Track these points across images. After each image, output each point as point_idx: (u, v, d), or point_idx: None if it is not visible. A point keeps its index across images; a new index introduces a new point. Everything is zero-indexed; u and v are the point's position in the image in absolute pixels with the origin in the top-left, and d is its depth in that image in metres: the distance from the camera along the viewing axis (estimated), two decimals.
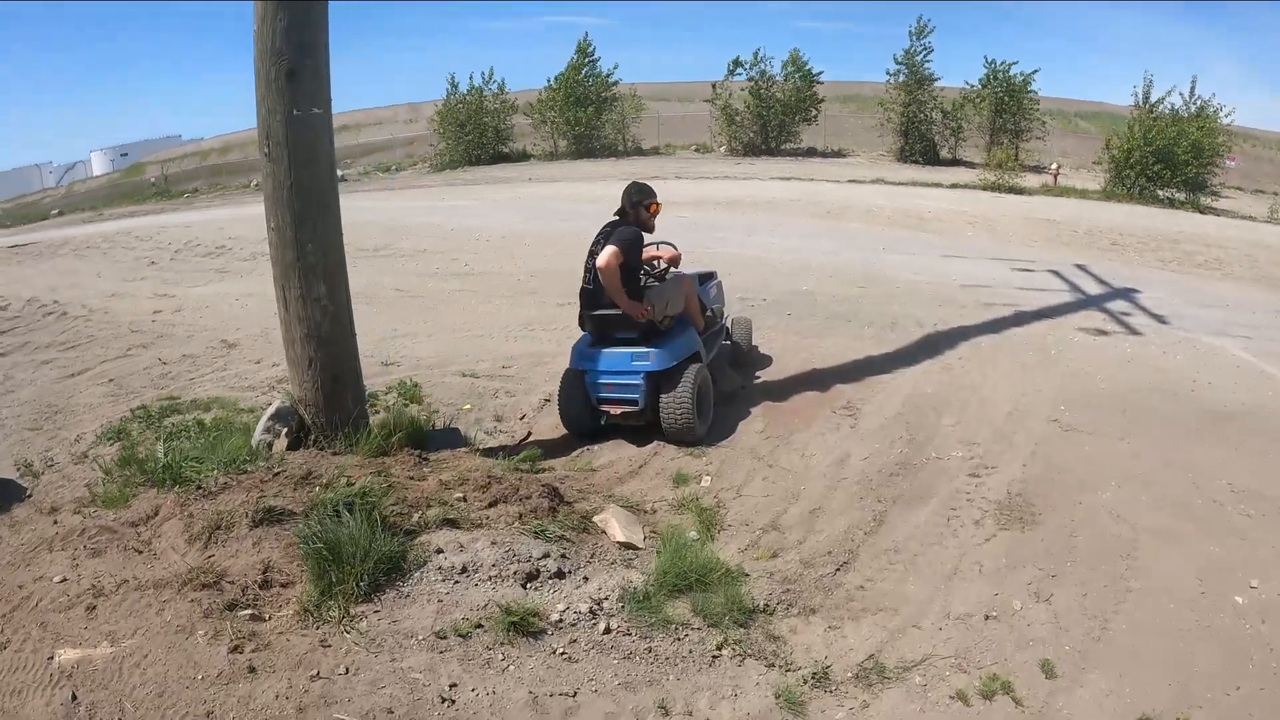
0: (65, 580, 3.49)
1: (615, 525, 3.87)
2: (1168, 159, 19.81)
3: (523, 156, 29.28)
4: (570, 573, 3.41)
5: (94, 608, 3.27)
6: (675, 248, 5.71)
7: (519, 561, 3.37)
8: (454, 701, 2.78)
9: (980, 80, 25.83)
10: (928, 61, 25.98)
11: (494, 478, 4.11)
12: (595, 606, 3.20)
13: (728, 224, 13.72)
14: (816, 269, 10.01)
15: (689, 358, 5.16)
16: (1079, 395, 5.70)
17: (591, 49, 28.63)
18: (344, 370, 4.71)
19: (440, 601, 3.17)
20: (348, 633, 3.01)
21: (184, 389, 6.50)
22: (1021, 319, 7.66)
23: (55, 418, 6.09)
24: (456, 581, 3.26)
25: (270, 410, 4.78)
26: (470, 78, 29.50)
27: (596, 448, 5.15)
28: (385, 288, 9.58)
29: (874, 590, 3.60)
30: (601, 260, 4.87)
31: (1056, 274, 10.00)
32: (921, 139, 26.12)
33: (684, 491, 4.50)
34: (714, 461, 4.84)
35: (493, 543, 3.45)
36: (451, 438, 5.13)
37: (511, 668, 2.91)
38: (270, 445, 4.64)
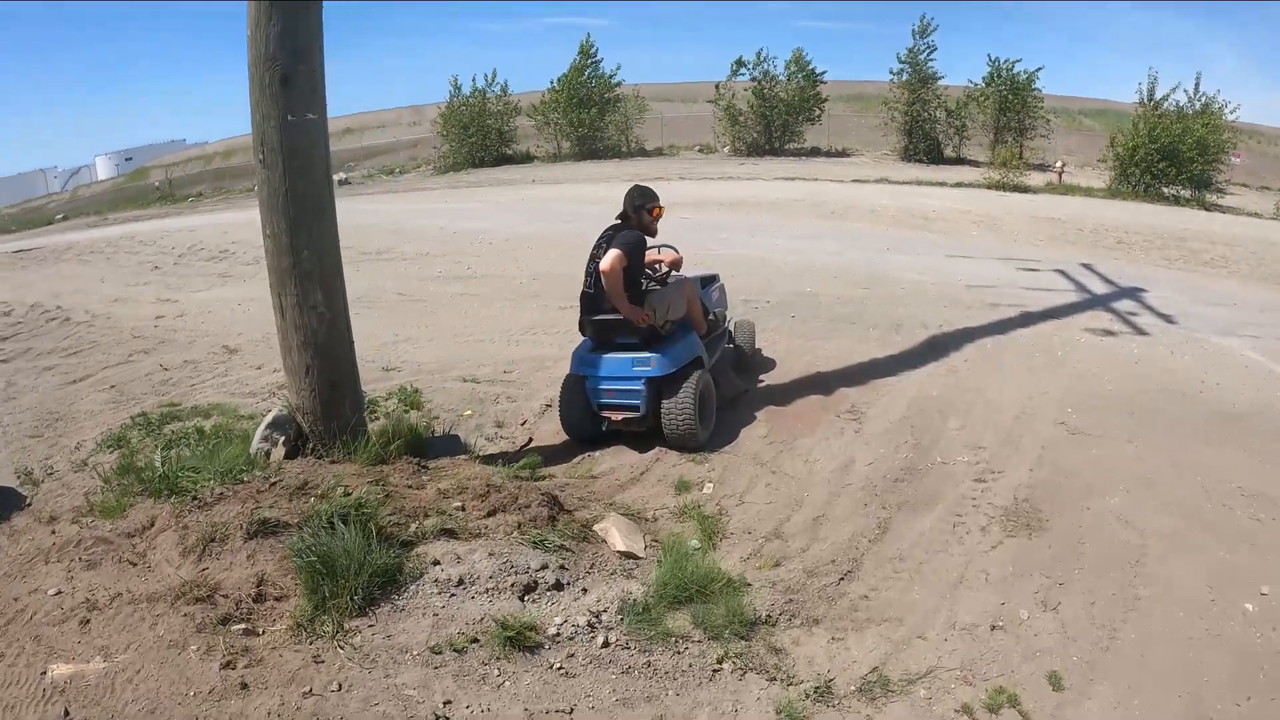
0: (60, 593, 3.46)
1: (616, 534, 3.82)
2: (1173, 156, 19.68)
3: (526, 158, 29.28)
4: (569, 584, 3.36)
5: (88, 621, 3.25)
6: (676, 251, 5.65)
7: (517, 573, 3.32)
8: (448, 719, 2.74)
9: (984, 78, 25.75)
10: (931, 60, 25.96)
11: (493, 486, 4.06)
12: (594, 619, 3.15)
13: (731, 225, 13.66)
14: (820, 270, 9.94)
15: (691, 363, 5.10)
16: (1086, 397, 5.64)
17: (594, 50, 28.65)
18: (342, 377, 4.66)
19: (436, 615, 3.12)
20: (341, 648, 2.96)
21: (185, 395, 6.48)
22: (1027, 320, 7.59)
23: (56, 425, 6.07)
24: (453, 594, 3.21)
25: (268, 418, 4.74)
26: (473, 80, 29.57)
27: (598, 454, 5.10)
28: (388, 292, 9.55)
29: (878, 600, 3.54)
30: (605, 263, 4.82)
31: (1062, 273, 9.91)
32: (925, 138, 26.05)
33: (686, 499, 4.44)
34: (716, 468, 4.78)
35: (490, 554, 3.41)
36: (451, 444, 5.08)
37: (507, 684, 2.86)
38: (268, 454, 4.60)
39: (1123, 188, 20.18)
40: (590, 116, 28.02)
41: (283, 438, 4.62)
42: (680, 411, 4.84)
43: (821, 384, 5.92)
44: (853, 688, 2.99)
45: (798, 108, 27.22)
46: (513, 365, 6.62)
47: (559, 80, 28.54)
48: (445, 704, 2.78)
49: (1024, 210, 16.31)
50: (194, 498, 3.95)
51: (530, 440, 5.40)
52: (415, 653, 2.95)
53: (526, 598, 3.25)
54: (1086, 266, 10.39)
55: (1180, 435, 5.09)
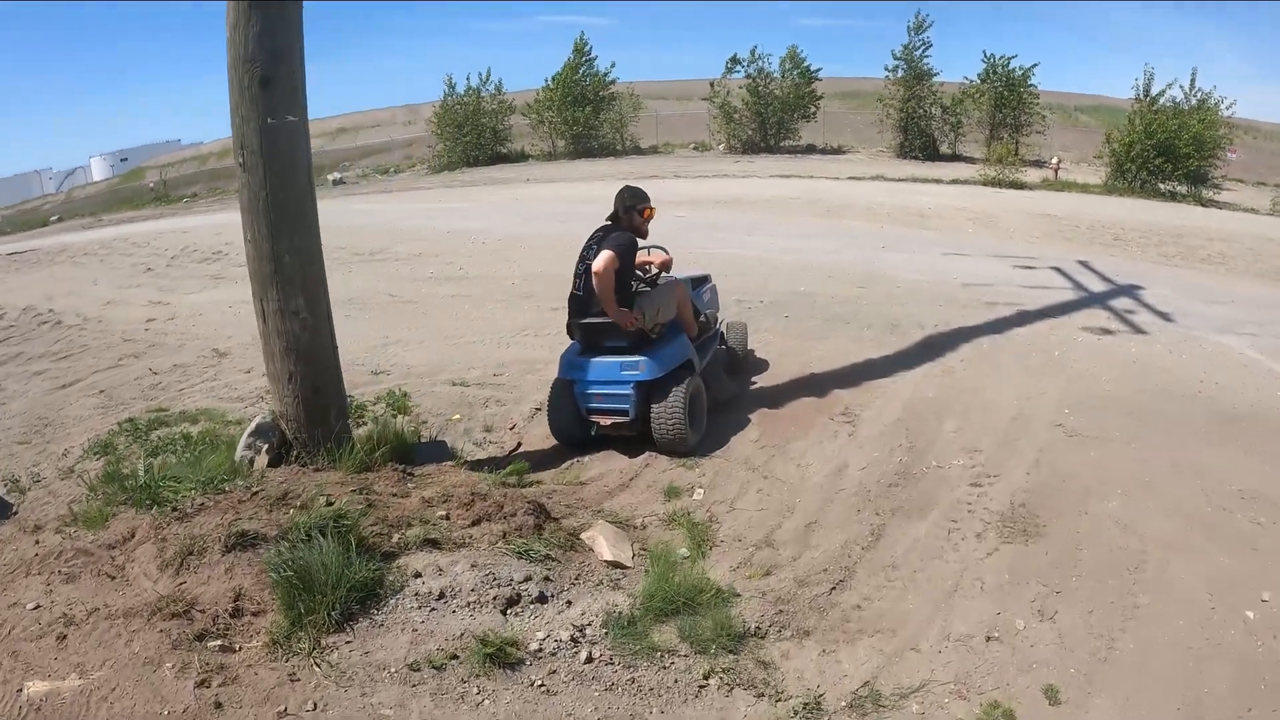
0: (39, 607, 3.39)
1: (603, 543, 3.74)
2: (1169, 152, 19.65)
3: (521, 157, 29.22)
4: (553, 596, 3.28)
5: (65, 637, 3.18)
6: (666, 252, 5.57)
7: (499, 585, 3.24)
8: None
9: (980, 75, 25.73)
10: (926, 57, 25.94)
11: (478, 494, 3.98)
12: (578, 633, 3.06)
13: (726, 223, 13.59)
14: (815, 269, 9.87)
15: (681, 366, 5.03)
16: (1084, 398, 5.56)
17: (588, 48, 28.63)
18: (325, 384, 4.58)
19: (415, 631, 3.03)
20: (318, 665, 2.88)
21: (173, 400, 6.42)
22: (1024, 319, 7.52)
23: (45, 431, 6.01)
24: (433, 609, 3.13)
25: (251, 426, 4.66)
26: (468, 78, 29.47)
27: (587, 459, 5.03)
28: (379, 293, 9.48)
29: (871, 610, 3.46)
30: (598, 264, 4.74)
31: (1059, 271, 9.85)
32: (921, 134, 26.05)
33: (675, 505, 4.37)
34: (707, 473, 4.71)
35: (473, 565, 3.33)
36: (438, 451, 5.00)
37: (486, 702, 2.78)
38: (252, 462, 4.52)
39: (1119, 184, 20.16)
40: (585, 115, 27.98)
41: (266, 445, 4.54)
42: (670, 416, 4.77)
43: (815, 386, 5.84)
44: (843, 703, 2.91)
45: (793, 105, 27.21)
46: (503, 368, 6.55)
47: (553, 79, 28.49)
48: None
49: (1020, 207, 16.25)
50: (174, 509, 3.86)
51: (519, 445, 5.33)
52: (393, 670, 2.87)
53: (509, 611, 3.17)
54: (1083, 264, 10.32)
55: (1179, 436, 5.02)
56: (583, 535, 3.85)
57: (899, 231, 13.33)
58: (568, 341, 5.30)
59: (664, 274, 5.44)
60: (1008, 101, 25.19)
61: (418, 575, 3.28)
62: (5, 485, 5.03)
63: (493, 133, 29.00)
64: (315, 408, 4.53)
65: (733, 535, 4.08)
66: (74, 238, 18.78)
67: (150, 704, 2.77)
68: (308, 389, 4.49)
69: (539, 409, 5.61)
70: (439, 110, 29.18)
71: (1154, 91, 21.35)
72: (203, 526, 3.63)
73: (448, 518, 3.78)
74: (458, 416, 5.67)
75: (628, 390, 4.88)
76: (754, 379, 6.10)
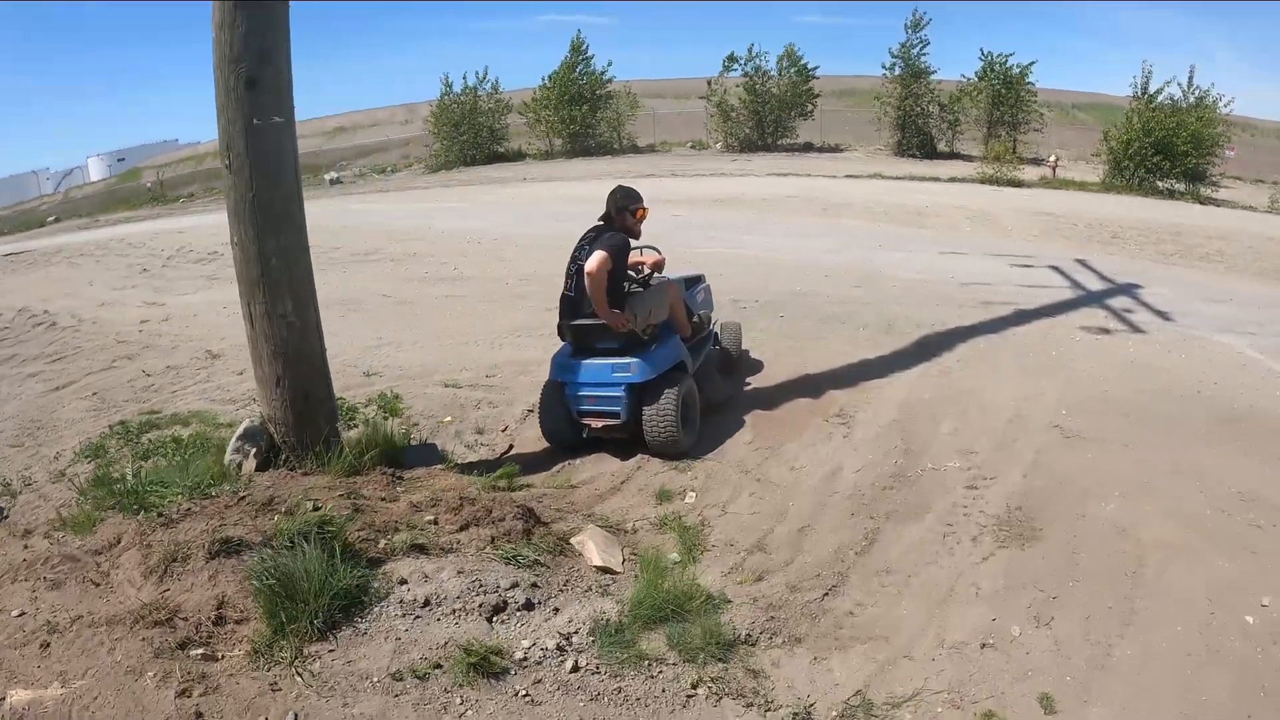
0: (23, 614, 3.35)
1: (592, 548, 3.69)
2: (1167, 150, 19.58)
3: (518, 156, 29.17)
4: (540, 604, 3.23)
5: (48, 645, 3.13)
6: (659, 252, 5.52)
7: (486, 592, 3.18)
8: None
9: (977, 73, 25.66)
10: (924, 55, 25.87)
11: (467, 498, 3.93)
12: (564, 642, 3.01)
13: (722, 222, 13.52)
14: (811, 268, 9.82)
15: (674, 367, 4.98)
16: (1082, 399, 5.51)
17: (585, 46, 28.56)
18: (314, 387, 4.53)
19: (399, 639, 2.98)
20: (299, 675, 2.82)
21: (165, 402, 6.40)
22: (1022, 318, 7.46)
23: (38, 433, 5.99)
24: (418, 616, 3.07)
25: (240, 429, 4.61)
26: (464, 77, 29.41)
27: (578, 462, 4.98)
28: (374, 294, 9.43)
29: (864, 616, 3.41)
30: (592, 264, 4.68)
31: (1057, 269, 9.79)
32: (918, 133, 25.99)
33: (667, 509, 4.32)
34: (699, 476, 4.65)
35: (459, 571, 3.28)
36: (428, 454, 4.94)
37: (469, 712, 2.72)
38: (240, 466, 4.47)
39: (1117, 182, 20.09)
40: (582, 113, 27.90)
41: (254, 449, 4.49)
42: (662, 419, 4.72)
43: (810, 387, 5.79)
44: (834, 713, 2.86)
45: (790, 103, 27.15)
46: (495, 369, 6.50)
47: (550, 77, 28.42)
48: None
49: (1018, 205, 16.19)
50: (160, 514, 3.82)
51: (510, 448, 5.28)
52: (376, 680, 2.82)
53: (495, 619, 3.11)
54: (1081, 262, 10.26)
55: (1178, 437, 4.96)
56: (572, 540, 3.79)
57: (896, 230, 13.27)
58: (561, 343, 5.26)
59: (657, 274, 5.38)
60: (1005, 99, 25.12)
61: (403, 582, 3.22)
62: None
63: (490, 132, 28.94)
64: (304, 411, 4.48)
65: (725, 539, 4.02)
66: (70, 238, 18.77)
67: (131, 714, 2.72)
68: (296, 392, 4.44)
69: (531, 411, 5.55)
70: (436, 109, 29.12)
71: (1152, 89, 21.29)
72: (188, 532, 3.58)
73: (436, 522, 3.73)
74: (449, 418, 5.62)
75: (619, 392, 4.83)
76: (748, 380, 6.05)
